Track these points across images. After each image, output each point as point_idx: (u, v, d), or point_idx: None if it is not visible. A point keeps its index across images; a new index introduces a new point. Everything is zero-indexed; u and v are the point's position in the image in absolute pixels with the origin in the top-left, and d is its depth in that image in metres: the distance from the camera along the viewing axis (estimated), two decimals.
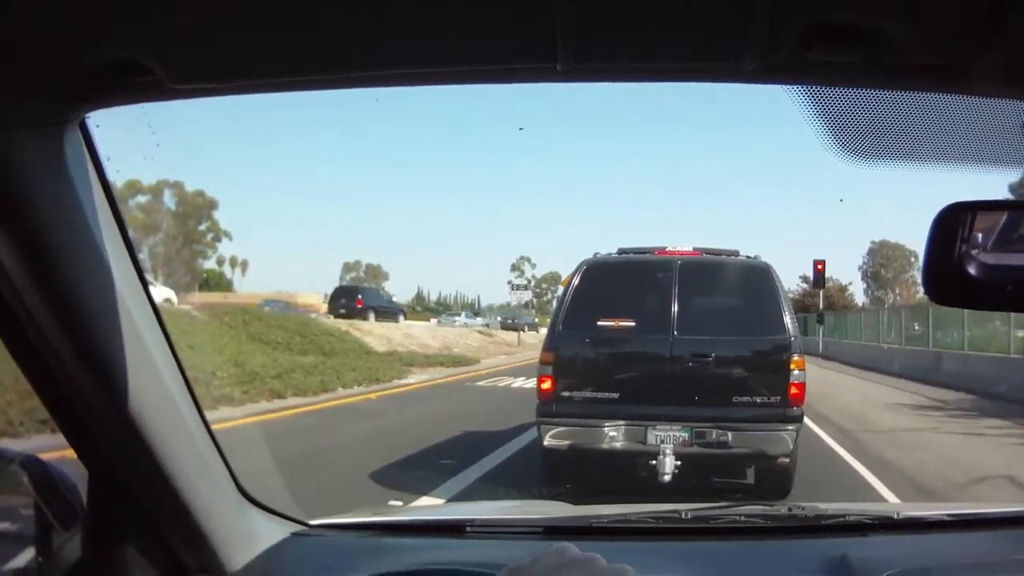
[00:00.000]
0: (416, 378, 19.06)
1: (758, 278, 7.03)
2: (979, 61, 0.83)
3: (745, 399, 6.56)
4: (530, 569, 0.75)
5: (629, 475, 6.60)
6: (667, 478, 6.26)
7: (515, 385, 18.03)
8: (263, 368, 14.74)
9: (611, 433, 6.57)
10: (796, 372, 6.54)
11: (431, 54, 0.90)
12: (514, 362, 25.90)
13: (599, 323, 6.86)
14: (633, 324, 6.87)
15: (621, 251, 7.52)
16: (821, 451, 9.63)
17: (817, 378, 21.36)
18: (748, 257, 7.41)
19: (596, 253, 7.49)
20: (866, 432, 11.30)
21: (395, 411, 12.96)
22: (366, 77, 0.98)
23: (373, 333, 26.27)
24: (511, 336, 35.59)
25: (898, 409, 14.57)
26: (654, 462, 6.38)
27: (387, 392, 16.00)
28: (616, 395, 6.67)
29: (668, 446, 6.43)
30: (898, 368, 23.16)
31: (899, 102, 0.95)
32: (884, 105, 0.95)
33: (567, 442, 6.66)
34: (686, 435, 6.49)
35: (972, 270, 1.01)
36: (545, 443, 6.69)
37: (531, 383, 17.27)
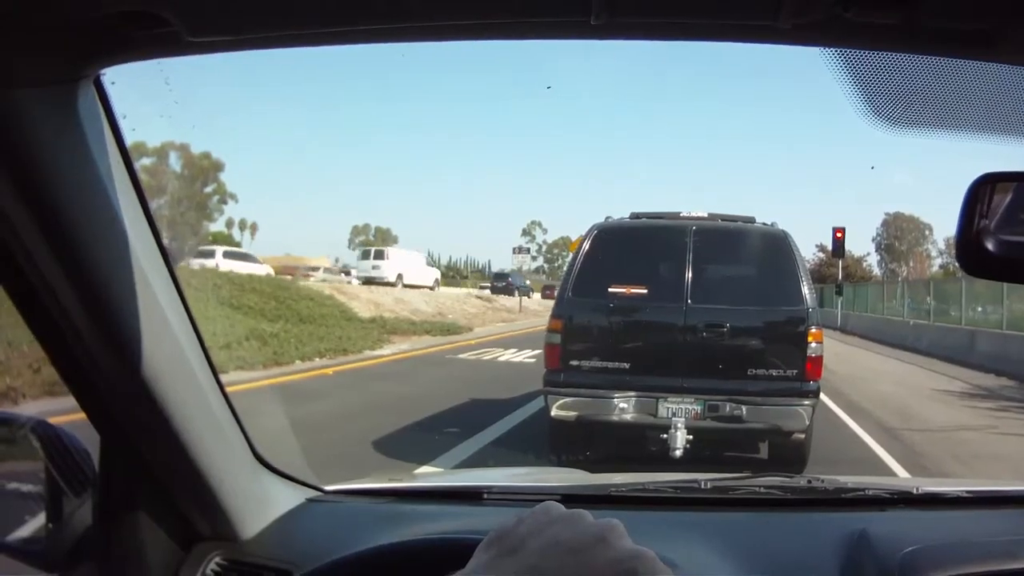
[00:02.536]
0: (393, 348, 18.09)
1: (775, 246, 6.95)
2: (1017, 29, 0.84)
3: (760, 372, 6.51)
4: (517, 529, 0.74)
5: (639, 449, 6.67)
6: (678, 453, 6.25)
7: (503, 359, 16.58)
8: (212, 337, 13.21)
9: (621, 404, 6.53)
10: (813, 345, 6.49)
11: (457, 6, 0.90)
12: (511, 331, 24.58)
13: (610, 290, 6.76)
14: (645, 291, 6.80)
15: (634, 215, 7.50)
16: (868, 463, 7.94)
17: (843, 356, 19.96)
18: (765, 224, 7.34)
19: (608, 217, 7.42)
20: (914, 432, 9.83)
21: (338, 393, 11.62)
22: (388, 30, 0.96)
23: (360, 297, 25.72)
24: (512, 302, 33.85)
25: (942, 399, 13.25)
26: (665, 436, 6.35)
27: (350, 366, 14.81)
28: (627, 365, 6.63)
29: (680, 419, 6.39)
30: (926, 346, 22.26)
31: (934, 68, 0.95)
32: (918, 71, 0.95)
33: (575, 413, 6.60)
34: (698, 408, 6.45)
35: (990, 242, 1.03)
36: (552, 413, 6.66)
37: (522, 356, 15.83)
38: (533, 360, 16.41)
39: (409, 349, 18.10)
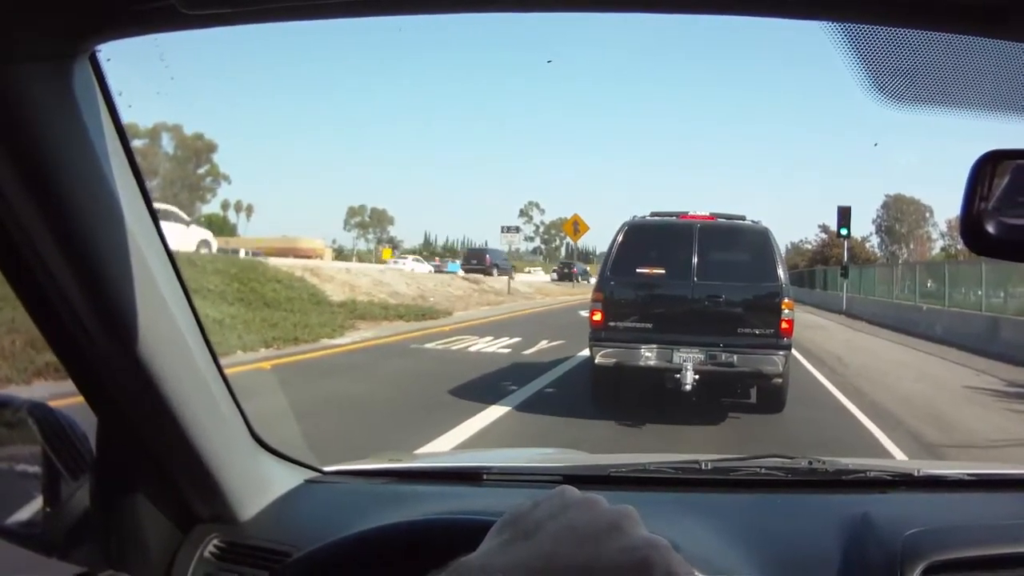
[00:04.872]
0: (357, 336, 16.64)
1: (758, 239, 9.25)
2: (1021, 5, 0.85)
3: (747, 330, 8.67)
4: (532, 512, 0.73)
5: (660, 386, 8.92)
6: (688, 387, 8.54)
7: (474, 348, 14.67)
8: None
9: (646, 354, 8.77)
10: (786, 311, 8.69)
11: None
12: (494, 315, 22.73)
13: (638, 270, 9.10)
14: (663, 272, 9.07)
15: (653, 214, 9.86)
16: None
17: (854, 344, 18.08)
18: (753, 222, 9.65)
19: (634, 216, 9.76)
20: (959, 449, 8.26)
21: (258, 394, 9.36)
22: (383, 1, 0.97)
23: (335, 279, 24.72)
24: (501, 284, 31.56)
25: (976, 399, 11.55)
26: (678, 376, 8.61)
27: (297, 358, 13.09)
28: (650, 325, 8.89)
29: (689, 363, 8.57)
30: (941, 333, 20.78)
31: (940, 44, 0.94)
32: (924, 46, 0.94)
33: (613, 360, 8.93)
34: (702, 356, 8.65)
35: (990, 223, 1.02)
36: (596, 361, 9.06)
37: (497, 345, 13.90)
38: (508, 350, 14.34)
39: (373, 337, 16.68)
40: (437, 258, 62.06)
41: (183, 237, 24.50)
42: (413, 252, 70.15)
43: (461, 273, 38.79)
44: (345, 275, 25.30)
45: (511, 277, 39.58)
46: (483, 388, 10.33)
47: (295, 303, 19.22)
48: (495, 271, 40.07)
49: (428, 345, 15.37)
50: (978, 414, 10.30)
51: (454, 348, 15.10)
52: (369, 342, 15.66)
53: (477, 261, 43.07)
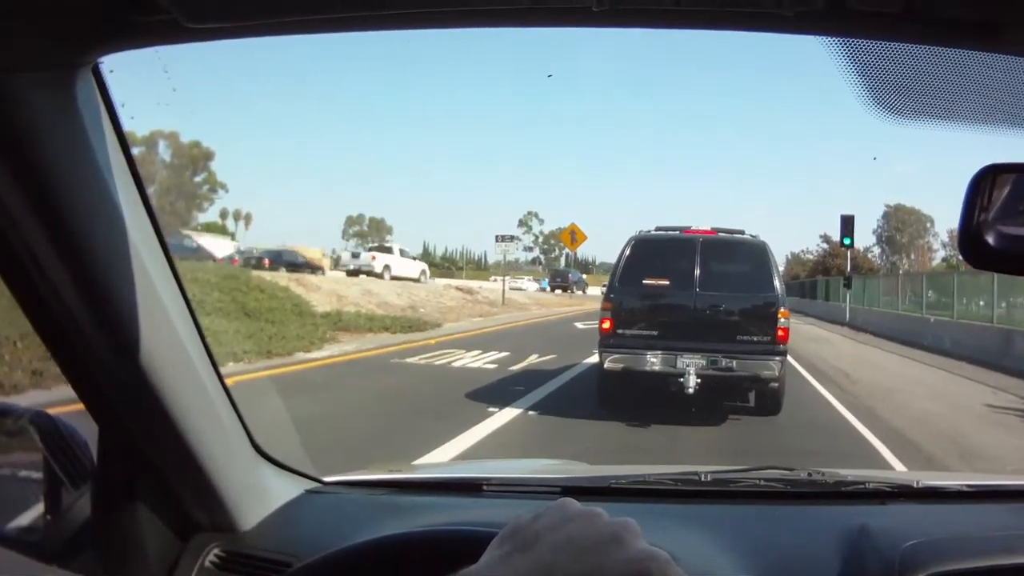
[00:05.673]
0: (336, 349, 16.11)
1: (756, 252, 10.06)
2: (1020, 18, 0.85)
3: (745, 337, 9.40)
4: (532, 525, 0.73)
5: (665, 389, 9.57)
6: (691, 390, 9.29)
7: (459, 363, 13.80)
8: None
9: (652, 359, 9.48)
10: (782, 320, 9.42)
11: None
12: (485, 327, 21.97)
13: (644, 281, 9.84)
14: (668, 283, 9.80)
15: (658, 228, 10.81)
16: None
17: (862, 359, 17.47)
18: (751, 236, 10.55)
19: (640, 230, 10.67)
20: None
21: None
22: (387, 17, 0.96)
23: (322, 289, 24.58)
24: (496, 295, 30.69)
25: (998, 420, 10.75)
26: (681, 380, 9.37)
27: (266, 373, 12.06)
28: (655, 332, 9.63)
29: (691, 368, 9.30)
30: (949, 346, 20.17)
31: (936, 58, 0.95)
32: (920, 60, 0.95)
33: (621, 365, 9.65)
34: (704, 362, 9.36)
35: (990, 235, 1.02)
36: (605, 366, 9.75)
37: (483, 360, 13.18)
38: (495, 366, 13.52)
39: (353, 350, 16.06)
40: (530, 277, 70.32)
41: (408, 268, 31.81)
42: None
43: (537, 287, 51.06)
44: (333, 285, 24.85)
45: (583, 291, 51.42)
46: (461, 410, 9.53)
47: (276, 314, 18.63)
48: (574, 287, 51.29)
49: (410, 360, 14.56)
50: (1001, 438, 9.47)
51: (437, 363, 14.27)
52: (348, 356, 14.88)
53: (561, 279, 53.84)
